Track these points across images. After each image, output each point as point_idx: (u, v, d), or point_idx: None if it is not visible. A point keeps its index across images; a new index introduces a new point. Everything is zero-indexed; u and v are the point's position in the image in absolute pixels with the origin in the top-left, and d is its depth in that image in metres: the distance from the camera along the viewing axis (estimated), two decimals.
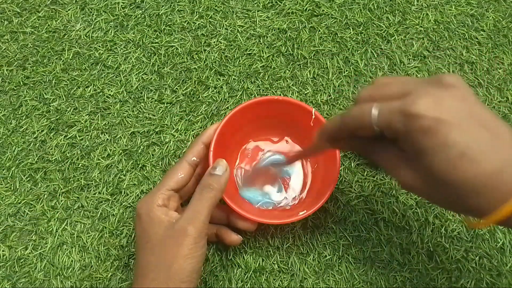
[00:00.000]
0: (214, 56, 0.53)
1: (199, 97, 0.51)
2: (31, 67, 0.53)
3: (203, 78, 0.52)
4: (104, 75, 0.52)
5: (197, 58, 0.53)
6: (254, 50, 0.53)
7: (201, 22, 0.54)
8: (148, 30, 0.54)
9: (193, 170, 0.42)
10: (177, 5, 0.55)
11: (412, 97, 0.26)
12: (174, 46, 0.53)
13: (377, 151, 0.30)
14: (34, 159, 0.49)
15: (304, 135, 0.46)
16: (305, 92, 0.51)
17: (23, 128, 0.50)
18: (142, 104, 0.51)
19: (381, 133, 0.28)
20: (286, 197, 0.46)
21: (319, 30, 0.54)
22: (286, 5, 0.55)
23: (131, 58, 0.53)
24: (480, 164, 0.25)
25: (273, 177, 0.47)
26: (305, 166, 0.47)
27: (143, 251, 0.38)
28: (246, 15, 0.54)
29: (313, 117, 0.44)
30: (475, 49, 0.53)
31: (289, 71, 0.52)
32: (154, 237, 0.37)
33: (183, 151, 0.49)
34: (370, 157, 0.31)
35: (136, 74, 0.52)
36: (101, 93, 0.51)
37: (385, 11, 0.54)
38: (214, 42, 0.53)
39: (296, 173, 0.47)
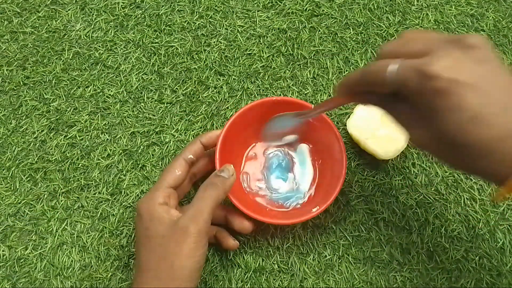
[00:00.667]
0: (214, 56, 0.53)
1: (199, 97, 0.51)
2: (31, 67, 0.53)
3: (203, 78, 0.52)
4: (104, 75, 0.52)
5: (197, 58, 0.53)
6: (254, 50, 0.53)
7: (201, 22, 0.54)
8: (148, 30, 0.54)
9: (188, 168, 0.42)
10: (177, 5, 0.55)
11: (430, 57, 0.26)
12: (174, 46, 0.53)
13: (393, 106, 0.30)
14: (34, 159, 0.49)
15: (307, 132, 0.46)
16: (305, 92, 0.51)
17: (23, 128, 0.50)
18: (142, 104, 0.51)
19: (396, 92, 0.28)
20: (296, 196, 0.46)
21: (319, 30, 0.54)
22: (286, 5, 0.55)
23: (131, 58, 0.53)
24: (493, 128, 0.25)
25: (292, 129, 0.46)
26: (315, 162, 0.47)
27: (144, 249, 0.38)
28: (246, 15, 0.54)
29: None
30: None
31: (289, 71, 0.52)
32: (155, 235, 0.37)
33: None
34: (386, 110, 0.31)
35: (136, 74, 0.52)
36: (101, 93, 0.51)
37: (385, 11, 0.54)
38: (214, 42, 0.53)
39: (305, 170, 0.47)
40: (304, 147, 0.48)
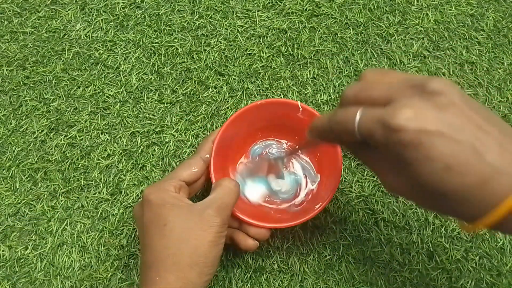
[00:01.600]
0: (214, 56, 0.53)
1: (199, 97, 0.51)
2: (31, 67, 0.53)
3: (203, 78, 0.52)
4: (104, 75, 0.52)
5: (197, 58, 0.53)
6: (254, 50, 0.53)
7: (201, 22, 0.54)
8: (148, 30, 0.54)
9: (205, 167, 0.42)
10: (177, 5, 0.55)
11: (393, 107, 0.25)
12: (174, 46, 0.53)
13: (364, 154, 0.30)
14: (34, 159, 0.49)
15: (298, 129, 0.46)
16: (305, 92, 0.51)
17: (23, 128, 0.50)
18: (142, 104, 0.51)
19: (364, 140, 0.27)
20: (292, 193, 0.46)
21: (319, 30, 0.54)
22: (286, 5, 0.55)
23: (131, 58, 0.53)
24: (467, 176, 0.24)
25: (275, 168, 0.47)
26: (312, 157, 0.47)
27: (157, 236, 0.35)
28: (246, 15, 0.54)
29: (301, 109, 0.44)
30: (475, 49, 0.53)
31: (289, 71, 0.52)
32: (173, 219, 0.35)
33: (183, 151, 0.49)
34: (358, 158, 0.31)
35: (136, 74, 0.52)
36: (101, 93, 0.51)
37: (385, 11, 0.54)
38: (214, 42, 0.53)
39: (303, 166, 0.47)
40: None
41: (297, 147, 0.46)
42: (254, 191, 0.46)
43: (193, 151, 0.49)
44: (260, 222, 0.41)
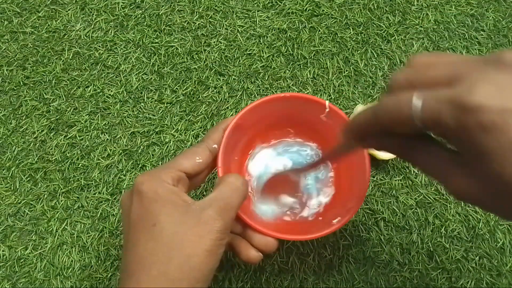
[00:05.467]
0: (214, 56, 0.53)
1: (199, 97, 0.51)
2: (31, 67, 0.53)
3: (203, 78, 0.52)
4: (104, 75, 0.52)
5: (197, 58, 0.53)
6: (254, 50, 0.53)
7: (201, 22, 0.54)
8: (148, 30, 0.54)
9: (211, 158, 0.36)
10: (177, 5, 0.55)
11: (466, 84, 0.20)
12: (174, 46, 0.53)
13: (419, 153, 0.24)
14: (34, 159, 0.49)
15: (319, 131, 0.42)
16: (305, 92, 0.51)
17: (23, 128, 0.50)
18: (142, 104, 0.51)
19: (425, 131, 0.22)
20: (307, 206, 0.42)
21: (319, 30, 0.53)
22: (286, 5, 0.55)
23: (131, 58, 0.53)
24: None
25: (293, 185, 0.41)
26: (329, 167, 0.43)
27: (144, 237, 0.29)
28: (246, 15, 0.54)
29: (327, 109, 0.39)
30: (475, 49, 0.53)
31: (289, 71, 0.52)
32: (165, 219, 0.29)
33: (182, 150, 0.49)
34: (410, 159, 0.25)
35: (136, 74, 0.52)
36: (101, 93, 0.51)
37: (385, 11, 0.54)
38: (214, 42, 0.53)
39: (317, 178, 0.43)
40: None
41: (323, 156, 0.39)
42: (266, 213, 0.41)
43: None
44: (267, 230, 0.36)
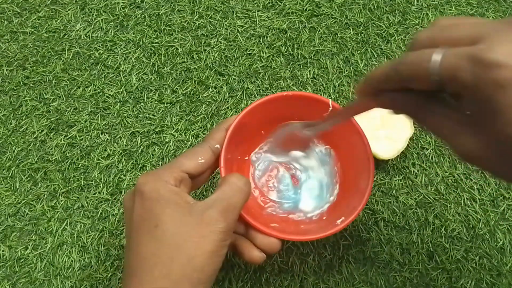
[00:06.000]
0: (214, 56, 0.53)
1: (199, 97, 0.51)
2: (31, 67, 0.53)
3: (203, 78, 0.52)
4: (104, 75, 0.52)
5: (197, 58, 0.53)
6: (254, 50, 0.53)
7: (201, 22, 0.54)
8: (148, 30, 0.54)
9: (214, 159, 0.36)
10: (177, 5, 0.55)
11: (487, 42, 0.20)
12: (174, 46, 0.53)
13: (431, 112, 0.24)
14: (34, 159, 0.49)
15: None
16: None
17: (23, 128, 0.50)
18: (142, 104, 0.51)
19: (441, 87, 0.22)
20: (313, 206, 0.42)
21: (319, 30, 0.54)
22: (286, 5, 0.55)
23: (131, 58, 0.53)
24: None
25: (303, 142, 0.41)
26: (334, 166, 0.43)
27: (146, 238, 0.29)
28: (246, 15, 0.54)
29: (330, 108, 0.39)
30: None
31: (289, 71, 0.52)
32: (167, 220, 0.29)
33: (183, 151, 0.49)
34: (420, 119, 0.25)
35: (136, 74, 0.52)
36: (101, 93, 0.51)
37: (385, 11, 0.54)
38: (214, 42, 0.53)
39: (320, 175, 0.43)
40: (319, 154, 0.43)
41: (335, 114, 0.37)
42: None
43: None
44: (270, 230, 0.36)
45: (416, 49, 0.23)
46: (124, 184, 0.48)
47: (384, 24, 0.54)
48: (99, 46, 0.53)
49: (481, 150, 0.22)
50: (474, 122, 0.22)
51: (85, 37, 0.54)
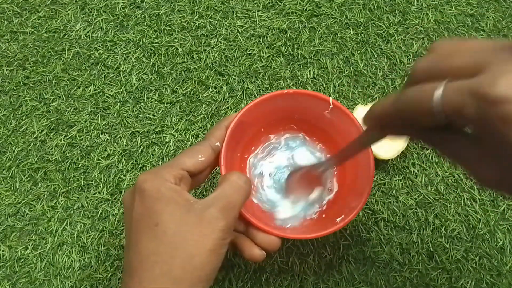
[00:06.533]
0: (214, 56, 0.53)
1: (199, 97, 0.51)
2: (31, 67, 0.53)
3: (203, 78, 0.52)
4: (104, 75, 0.52)
5: (197, 58, 0.53)
6: (254, 50, 0.53)
7: (201, 22, 0.54)
8: (148, 30, 0.54)
9: (214, 157, 0.36)
10: (177, 5, 0.55)
11: (489, 74, 0.19)
12: (174, 46, 0.53)
13: (446, 143, 0.23)
14: (34, 159, 0.49)
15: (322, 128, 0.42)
16: None
17: (23, 128, 0.50)
18: (142, 104, 0.51)
19: (447, 123, 0.21)
20: (312, 203, 0.41)
21: (319, 30, 0.53)
22: (286, 5, 0.55)
23: (131, 58, 0.53)
24: None
25: (316, 179, 0.40)
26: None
27: (147, 236, 0.29)
28: (246, 15, 0.54)
29: (331, 106, 0.39)
30: None
31: (289, 71, 0.52)
32: (167, 219, 0.29)
33: (185, 149, 0.49)
34: (437, 148, 0.24)
35: (136, 74, 0.52)
36: (101, 93, 0.51)
37: (385, 11, 0.54)
38: (214, 42, 0.53)
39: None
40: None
41: (347, 149, 0.35)
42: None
43: None
44: (269, 228, 0.35)
45: (415, 82, 0.23)
46: (124, 184, 0.48)
47: (384, 24, 0.54)
48: (99, 46, 0.53)
49: (499, 177, 0.22)
50: (489, 153, 0.22)
51: (85, 37, 0.54)
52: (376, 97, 0.50)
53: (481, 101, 0.19)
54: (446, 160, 0.48)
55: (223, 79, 0.52)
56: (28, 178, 0.49)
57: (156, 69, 0.52)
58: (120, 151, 0.49)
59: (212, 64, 0.52)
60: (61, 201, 0.48)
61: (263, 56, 0.52)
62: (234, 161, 0.41)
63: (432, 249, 0.45)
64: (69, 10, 0.55)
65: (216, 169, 0.38)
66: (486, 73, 0.19)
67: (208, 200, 0.31)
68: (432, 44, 0.23)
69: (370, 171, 0.37)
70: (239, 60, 0.52)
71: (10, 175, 0.49)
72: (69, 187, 0.48)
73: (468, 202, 0.47)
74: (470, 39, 0.22)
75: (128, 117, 0.51)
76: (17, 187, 0.48)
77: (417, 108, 0.21)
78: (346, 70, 0.52)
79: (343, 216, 0.37)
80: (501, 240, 0.45)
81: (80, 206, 0.48)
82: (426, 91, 0.21)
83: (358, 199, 0.37)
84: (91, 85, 0.52)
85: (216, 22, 0.54)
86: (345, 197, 0.40)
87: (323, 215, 0.41)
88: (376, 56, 0.52)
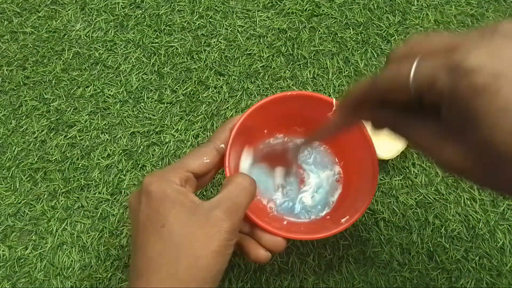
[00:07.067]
0: (214, 56, 0.53)
1: (199, 97, 0.51)
2: (31, 67, 0.53)
3: (203, 78, 0.52)
4: (104, 75, 0.52)
5: (197, 58, 0.53)
6: (254, 50, 0.53)
7: (201, 22, 0.54)
8: (148, 30, 0.54)
9: (218, 158, 0.36)
10: (177, 5, 0.55)
11: (462, 50, 0.20)
12: (174, 46, 0.53)
13: (412, 125, 0.24)
14: (34, 159, 0.49)
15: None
16: None
17: (23, 128, 0.50)
18: (142, 104, 0.51)
19: (419, 98, 0.22)
20: (317, 206, 0.42)
21: (319, 30, 0.54)
22: (286, 5, 0.55)
23: (131, 58, 0.53)
24: None
25: (288, 160, 0.41)
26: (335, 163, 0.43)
27: (153, 238, 0.30)
28: (246, 15, 0.54)
29: (334, 108, 0.39)
30: None
31: (289, 71, 0.52)
32: (173, 220, 0.29)
33: (183, 151, 0.49)
34: (402, 132, 0.25)
35: (136, 74, 0.52)
36: (101, 93, 0.51)
37: (385, 11, 0.54)
38: (214, 42, 0.53)
39: (322, 176, 0.43)
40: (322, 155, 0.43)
41: (318, 132, 0.37)
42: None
43: None
44: (275, 229, 0.35)
45: (393, 63, 0.23)
46: (124, 184, 0.48)
47: (384, 24, 0.54)
48: (99, 46, 0.53)
49: (464, 162, 0.22)
50: (454, 132, 0.22)
51: (85, 37, 0.54)
52: None
53: (453, 73, 0.20)
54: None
55: (223, 79, 0.52)
56: (28, 178, 0.49)
57: (156, 69, 0.52)
58: (120, 151, 0.49)
59: (212, 64, 0.52)
60: (61, 201, 0.48)
61: (263, 56, 0.52)
62: (239, 164, 0.41)
63: (432, 249, 0.45)
64: (69, 10, 0.55)
65: (222, 169, 0.38)
66: (459, 49, 0.20)
67: (213, 202, 0.31)
68: (408, 37, 0.25)
69: (374, 172, 0.38)
70: (239, 60, 0.52)
71: (10, 175, 0.49)
72: (69, 187, 0.48)
73: (468, 202, 0.47)
74: (445, 32, 0.24)
75: (128, 117, 0.51)
76: (17, 187, 0.48)
77: (393, 81, 0.22)
78: (346, 70, 0.52)
79: (347, 216, 0.37)
80: (501, 240, 0.45)
81: (80, 206, 0.48)
82: (402, 68, 0.22)
83: (362, 199, 0.37)
84: (91, 85, 0.52)
85: (216, 22, 0.54)
86: (349, 198, 0.41)
87: (328, 216, 0.41)
88: (376, 56, 0.52)
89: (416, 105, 0.23)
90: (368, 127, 0.39)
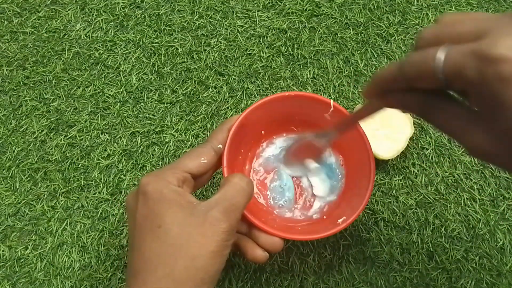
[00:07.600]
0: (214, 56, 0.53)
1: (199, 97, 0.51)
2: (31, 67, 0.53)
3: (203, 78, 0.52)
4: (104, 75, 0.52)
5: (197, 58, 0.53)
6: (254, 50, 0.53)
7: (201, 22, 0.54)
8: (148, 30, 0.54)
9: (216, 159, 0.36)
10: (177, 5, 0.55)
11: (490, 37, 0.20)
12: (174, 46, 0.53)
13: (439, 110, 0.24)
14: (34, 159, 0.49)
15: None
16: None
17: (23, 128, 0.50)
18: (142, 104, 0.51)
19: (447, 85, 0.22)
20: (316, 206, 0.42)
21: (319, 30, 0.54)
22: (286, 5, 0.55)
23: (131, 58, 0.53)
24: None
25: (316, 150, 0.40)
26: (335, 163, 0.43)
27: (150, 238, 0.29)
28: (246, 15, 0.54)
29: (331, 108, 0.39)
30: None
31: (289, 71, 0.52)
32: (170, 221, 0.29)
33: (183, 151, 0.49)
34: (429, 118, 0.25)
35: (136, 74, 0.52)
36: (101, 93, 0.51)
37: (385, 11, 0.54)
38: (214, 42, 0.53)
39: (321, 177, 0.43)
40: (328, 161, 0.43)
41: (348, 119, 0.36)
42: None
43: None
44: (273, 229, 0.36)
45: (421, 48, 0.23)
46: (124, 184, 0.48)
47: (384, 24, 0.54)
48: (99, 46, 0.53)
49: (490, 146, 0.22)
50: (482, 118, 0.22)
51: (85, 37, 0.54)
52: None
53: (481, 61, 0.20)
54: (446, 160, 0.48)
55: (223, 79, 0.52)
56: (28, 178, 0.49)
57: (156, 69, 0.52)
58: (120, 151, 0.49)
59: (212, 64, 0.52)
60: (61, 201, 0.48)
61: (263, 56, 0.52)
62: (237, 163, 0.41)
63: (432, 249, 0.45)
64: (69, 10, 0.55)
65: (219, 170, 0.38)
66: (487, 37, 0.20)
67: (210, 202, 0.31)
68: (439, 16, 0.24)
69: (370, 172, 0.38)
70: (239, 60, 0.52)
71: (10, 175, 0.49)
72: (69, 187, 0.48)
73: (468, 202, 0.47)
74: (473, 12, 0.24)
75: (128, 117, 0.51)
76: (17, 187, 0.48)
77: (420, 68, 0.22)
78: (346, 70, 0.52)
79: (344, 217, 0.37)
80: (501, 240, 0.45)
81: (80, 206, 0.48)
82: (430, 53, 0.22)
83: (359, 200, 0.37)
84: (91, 85, 0.52)
85: (216, 22, 0.54)
86: (346, 198, 0.41)
87: (324, 216, 0.41)
88: (376, 56, 0.52)
89: (444, 90, 0.23)
90: (364, 127, 0.39)
